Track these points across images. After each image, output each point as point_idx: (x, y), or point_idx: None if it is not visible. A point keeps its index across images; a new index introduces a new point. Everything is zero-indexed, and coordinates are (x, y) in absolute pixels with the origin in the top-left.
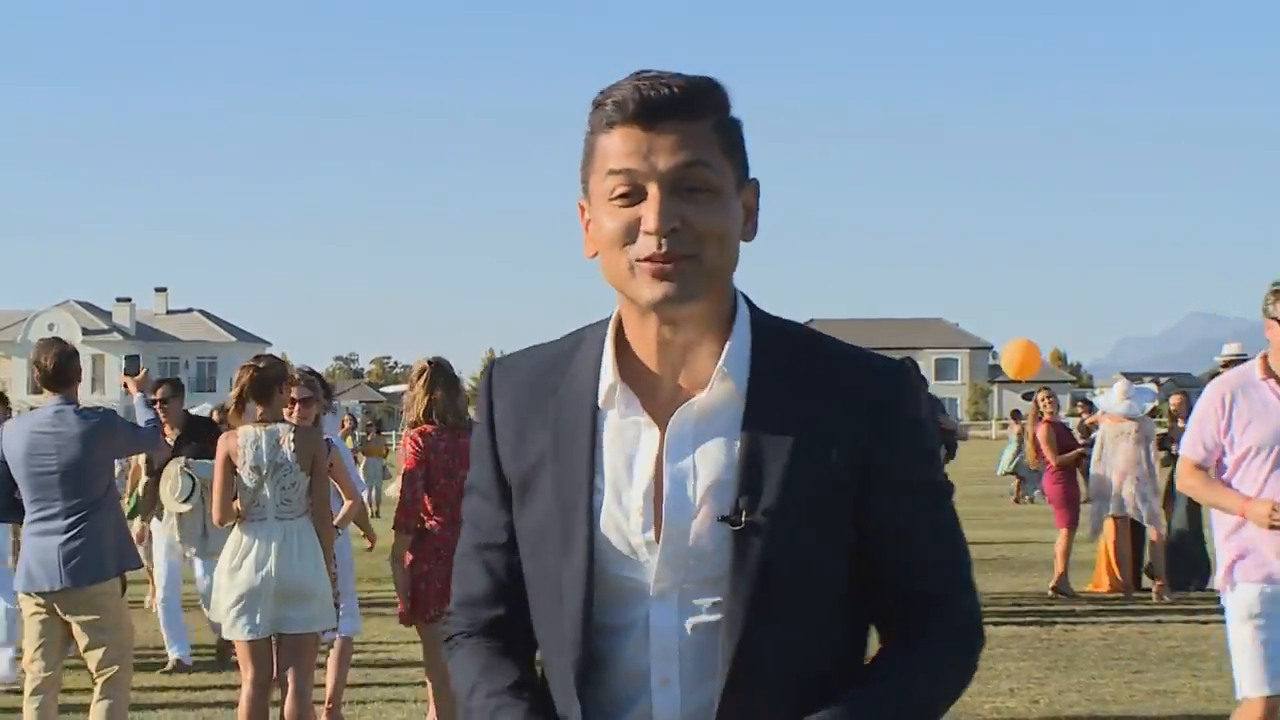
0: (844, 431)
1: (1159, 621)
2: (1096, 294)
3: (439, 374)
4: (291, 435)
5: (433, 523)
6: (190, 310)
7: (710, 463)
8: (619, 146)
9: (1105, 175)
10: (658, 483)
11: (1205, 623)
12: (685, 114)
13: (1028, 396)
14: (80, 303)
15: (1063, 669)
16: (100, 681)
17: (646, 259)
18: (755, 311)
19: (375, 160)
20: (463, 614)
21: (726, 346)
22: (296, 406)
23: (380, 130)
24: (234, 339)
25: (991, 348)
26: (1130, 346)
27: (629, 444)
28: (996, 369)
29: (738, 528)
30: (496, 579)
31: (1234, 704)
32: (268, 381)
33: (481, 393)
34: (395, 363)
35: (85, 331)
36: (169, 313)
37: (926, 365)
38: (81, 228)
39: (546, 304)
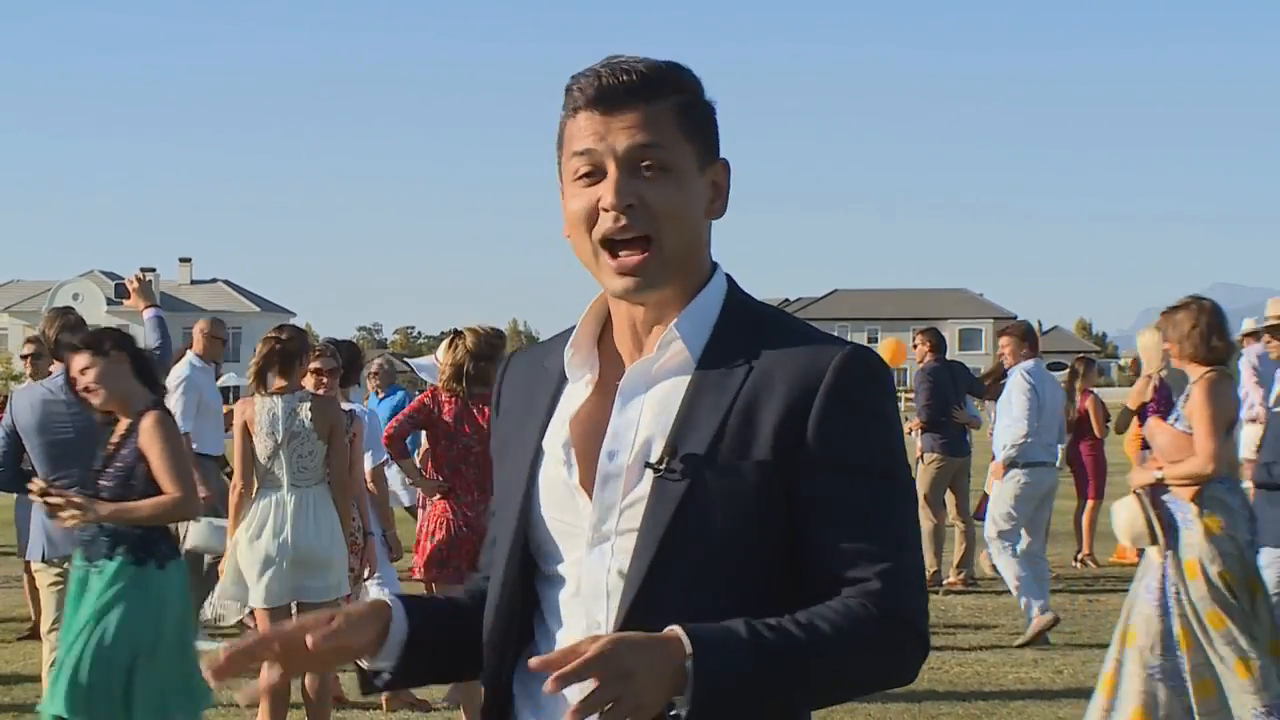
0: (785, 405)
1: None
2: (1120, 264)
3: (458, 341)
4: (308, 404)
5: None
6: (214, 280)
7: (651, 417)
8: (581, 129)
9: (1127, 145)
10: (575, 432)
11: None
12: (642, 98)
13: (1053, 367)
14: (105, 273)
15: (1086, 639)
16: None
17: (606, 244)
18: (735, 290)
19: (400, 128)
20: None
21: (681, 312)
22: (323, 378)
23: (404, 96)
24: (258, 309)
25: (1015, 318)
26: (1154, 316)
27: (573, 403)
28: None
29: (658, 473)
30: None
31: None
32: (289, 354)
33: (497, 380)
34: (419, 333)
35: (109, 301)
36: (193, 283)
37: (951, 336)
38: (106, 198)
39: (573, 273)
